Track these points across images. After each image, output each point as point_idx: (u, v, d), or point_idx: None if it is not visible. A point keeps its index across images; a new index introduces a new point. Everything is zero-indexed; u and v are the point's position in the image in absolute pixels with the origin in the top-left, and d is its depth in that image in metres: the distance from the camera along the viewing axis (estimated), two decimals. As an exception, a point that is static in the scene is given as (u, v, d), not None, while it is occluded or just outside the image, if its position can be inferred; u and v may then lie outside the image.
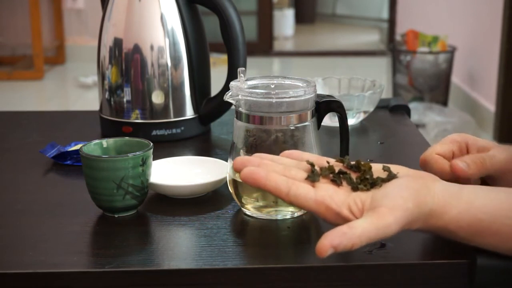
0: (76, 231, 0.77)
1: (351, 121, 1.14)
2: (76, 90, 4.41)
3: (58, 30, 5.10)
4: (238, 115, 0.80)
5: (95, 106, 1.19)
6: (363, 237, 0.63)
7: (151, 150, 0.81)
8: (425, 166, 0.77)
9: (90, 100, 4.09)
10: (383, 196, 0.66)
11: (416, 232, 0.70)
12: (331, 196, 0.67)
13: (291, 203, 0.68)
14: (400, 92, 3.84)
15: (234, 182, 0.80)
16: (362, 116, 1.17)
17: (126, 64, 1.07)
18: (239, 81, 0.80)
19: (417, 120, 3.31)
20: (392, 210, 0.64)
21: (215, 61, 4.39)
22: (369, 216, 0.64)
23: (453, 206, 0.66)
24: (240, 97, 0.78)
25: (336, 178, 0.69)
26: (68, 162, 0.99)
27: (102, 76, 1.11)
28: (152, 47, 1.07)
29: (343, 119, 0.83)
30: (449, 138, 0.79)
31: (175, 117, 1.10)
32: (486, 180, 0.78)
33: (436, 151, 0.78)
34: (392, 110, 1.23)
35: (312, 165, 0.71)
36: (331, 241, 0.62)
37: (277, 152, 0.77)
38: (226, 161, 0.84)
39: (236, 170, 0.71)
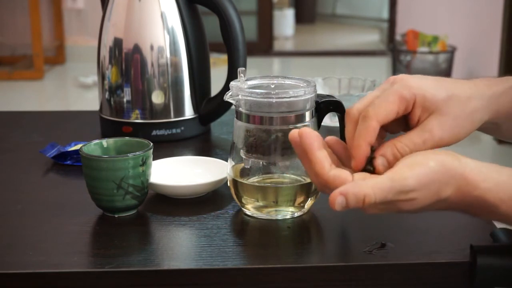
0: (76, 231, 0.77)
1: (351, 121, 1.14)
2: (76, 90, 4.41)
3: (58, 30, 5.10)
4: (238, 115, 0.80)
5: (95, 106, 1.19)
6: (376, 188, 0.61)
7: (151, 150, 0.81)
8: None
9: (90, 100, 4.08)
10: (405, 158, 0.65)
11: (416, 232, 0.70)
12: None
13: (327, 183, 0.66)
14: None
15: (234, 182, 0.80)
16: (362, 116, 1.17)
17: (126, 64, 1.07)
18: (239, 81, 0.80)
19: (417, 120, 3.31)
20: (410, 165, 0.63)
21: (215, 61, 4.39)
22: (387, 172, 0.63)
23: (491, 176, 0.63)
24: (240, 97, 0.78)
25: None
26: (68, 162, 0.99)
27: (102, 76, 1.11)
28: (152, 47, 1.07)
29: (343, 119, 0.83)
30: (397, 94, 0.69)
31: (175, 117, 1.10)
32: None
33: (381, 116, 0.69)
34: (392, 110, 1.23)
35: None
36: (341, 189, 0.61)
37: (277, 152, 0.78)
38: (226, 161, 0.84)
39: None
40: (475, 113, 0.71)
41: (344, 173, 0.66)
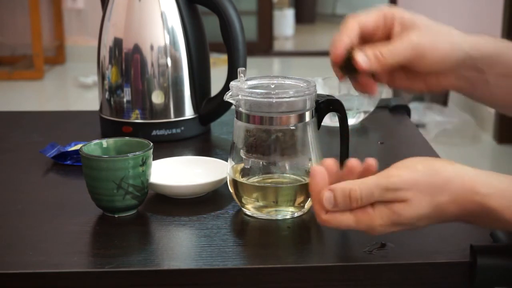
0: (76, 231, 0.77)
1: (351, 121, 1.14)
2: (76, 90, 4.41)
3: (58, 30, 5.10)
4: (238, 115, 0.80)
5: (95, 106, 1.19)
6: (361, 184, 0.64)
7: (151, 150, 0.81)
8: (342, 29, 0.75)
9: (90, 100, 4.08)
10: (395, 163, 0.66)
11: (416, 232, 0.70)
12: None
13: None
14: (400, 92, 3.84)
15: (234, 182, 0.80)
16: (362, 116, 1.17)
17: (126, 64, 1.07)
18: (239, 81, 0.80)
19: (417, 120, 3.31)
20: (398, 167, 0.65)
21: (215, 61, 4.39)
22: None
23: (491, 183, 0.63)
24: (240, 97, 0.78)
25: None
26: (68, 162, 0.99)
27: (102, 76, 1.11)
28: (152, 47, 1.07)
29: (343, 119, 0.83)
30: (377, 9, 0.75)
31: (175, 117, 1.10)
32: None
33: (360, 19, 0.74)
34: (392, 110, 1.23)
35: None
36: (330, 186, 0.66)
37: (277, 152, 0.78)
38: (226, 161, 0.84)
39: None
40: (454, 36, 0.74)
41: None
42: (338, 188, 0.65)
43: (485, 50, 0.75)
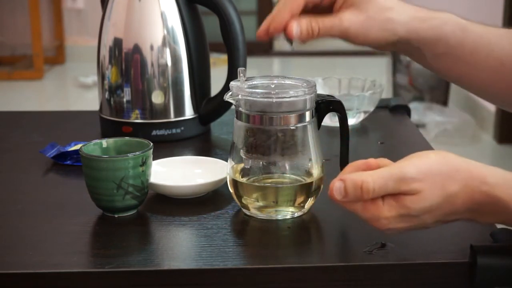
0: (76, 231, 0.77)
1: (351, 121, 1.14)
2: (76, 90, 4.41)
3: (58, 30, 5.09)
4: (238, 115, 0.80)
5: (95, 106, 1.19)
6: (374, 175, 0.63)
7: (151, 150, 0.81)
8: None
9: (90, 100, 4.08)
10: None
11: (416, 232, 0.70)
12: None
13: None
14: (400, 92, 3.84)
15: (234, 182, 0.80)
16: (362, 116, 1.17)
17: (126, 64, 1.07)
18: (239, 81, 0.80)
19: (417, 120, 3.31)
20: (410, 157, 0.65)
21: (215, 61, 4.38)
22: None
23: (497, 173, 0.63)
24: (240, 97, 0.78)
25: None
26: (68, 162, 0.99)
27: (102, 76, 1.11)
28: (152, 47, 1.07)
29: (343, 119, 0.83)
30: None
31: (175, 117, 1.10)
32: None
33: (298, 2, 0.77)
34: (392, 110, 1.23)
35: None
36: (341, 176, 0.65)
37: (277, 152, 0.78)
38: (226, 161, 0.84)
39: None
40: (390, 22, 0.75)
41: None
42: (349, 179, 0.64)
43: (425, 34, 0.76)
